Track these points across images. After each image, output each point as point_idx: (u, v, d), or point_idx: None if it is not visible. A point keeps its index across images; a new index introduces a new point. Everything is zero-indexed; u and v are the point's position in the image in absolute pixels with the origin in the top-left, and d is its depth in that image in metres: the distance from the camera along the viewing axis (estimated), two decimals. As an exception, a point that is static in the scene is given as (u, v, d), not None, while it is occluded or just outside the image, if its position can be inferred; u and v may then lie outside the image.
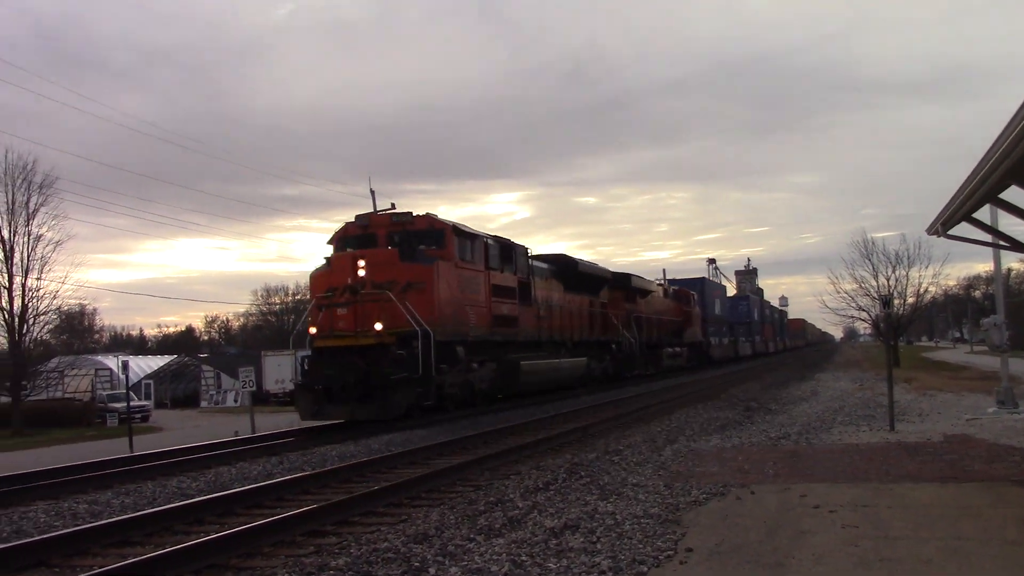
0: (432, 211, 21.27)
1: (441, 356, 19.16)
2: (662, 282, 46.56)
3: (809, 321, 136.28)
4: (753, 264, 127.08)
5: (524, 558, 6.69)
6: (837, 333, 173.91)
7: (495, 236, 23.22)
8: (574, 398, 26.58)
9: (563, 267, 29.34)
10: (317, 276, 20.13)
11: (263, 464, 13.17)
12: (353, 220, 20.90)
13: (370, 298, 18.62)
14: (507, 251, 23.82)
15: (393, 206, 21.42)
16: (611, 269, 38.57)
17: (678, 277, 57.28)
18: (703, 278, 59.43)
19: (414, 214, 20.70)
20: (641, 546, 6.98)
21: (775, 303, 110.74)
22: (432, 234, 20.49)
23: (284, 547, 7.70)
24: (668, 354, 42.69)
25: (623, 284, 36.15)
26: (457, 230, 20.77)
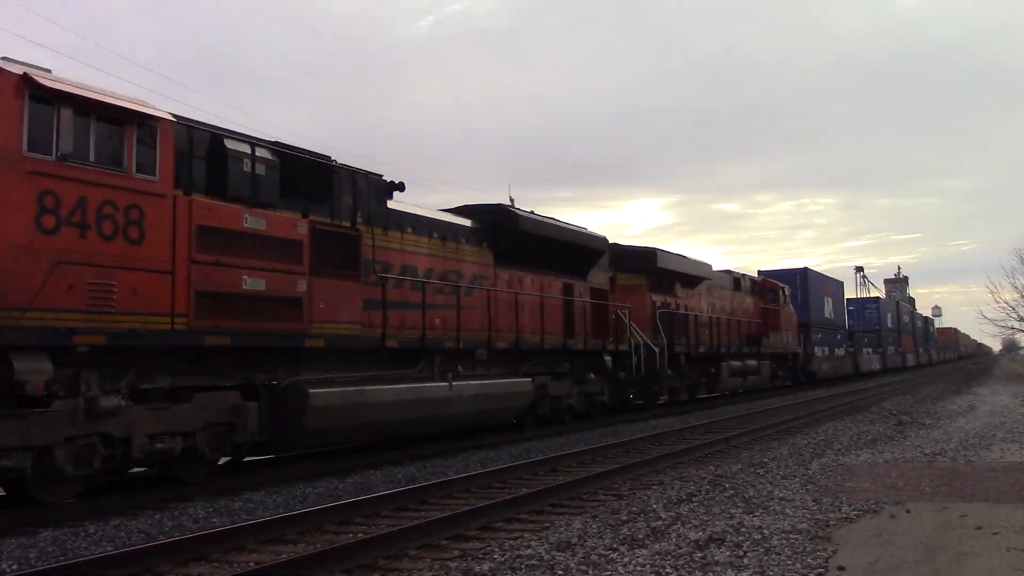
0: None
1: None
2: (731, 270, 33.84)
3: (962, 331, 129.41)
4: (903, 272, 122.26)
5: (668, 570, 6.61)
6: (995, 345, 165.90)
7: (264, 142, 12.80)
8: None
9: (493, 224, 17.98)
10: None
11: (407, 468, 13.44)
12: None
13: None
14: (298, 169, 12.88)
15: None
16: (701, 262, 29.29)
17: (770, 268, 46.09)
18: (805, 268, 44.86)
19: None
20: (790, 562, 6.79)
21: (928, 313, 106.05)
22: None
23: (429, 550, 7.83)
24: (732, 370, 29.86)
25: (641, 264, 25.04)
26: (35, 85, 9.54)
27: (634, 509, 9.24)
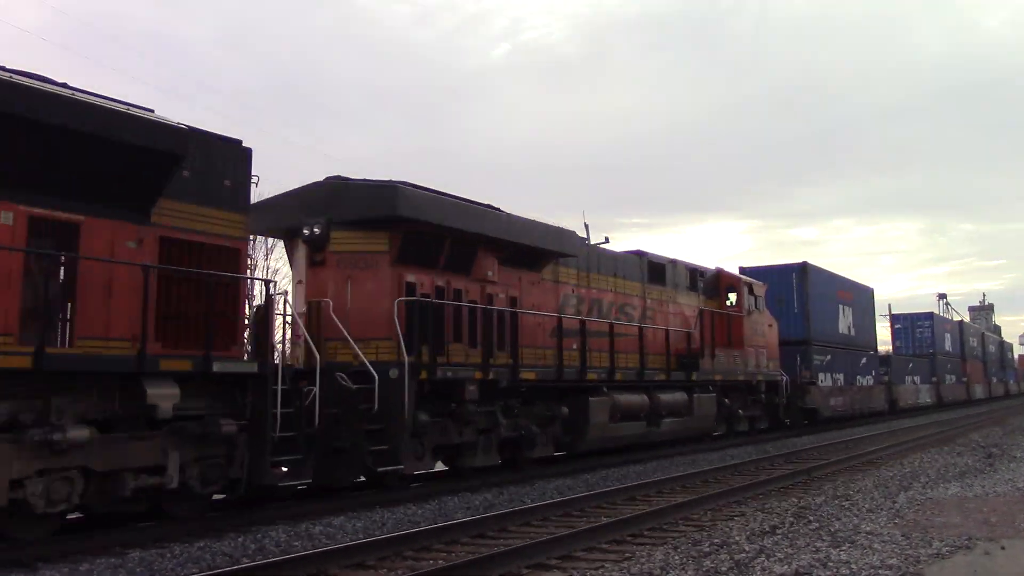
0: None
1: None
2: (643, 251, 21.68)
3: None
4: (988, 300, 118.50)
5: (755, 605, 6.47)
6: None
7: None
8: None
9: None
10: None
11: (484, 495, 13.43)
12: None
13: None
14: None
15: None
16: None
17: (760, 265, 32.40)
18: (803, 263, 32.10)
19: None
20: (881, 599, 6.60)
21: (1015, 342, 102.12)
22: None
23: (510, 579, 7.80)
24: (621, 409, 18.20)
25: (380, 214, 14.05)
26: None
27: (716, 541, 9.10)
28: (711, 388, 22.33)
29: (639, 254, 21.41)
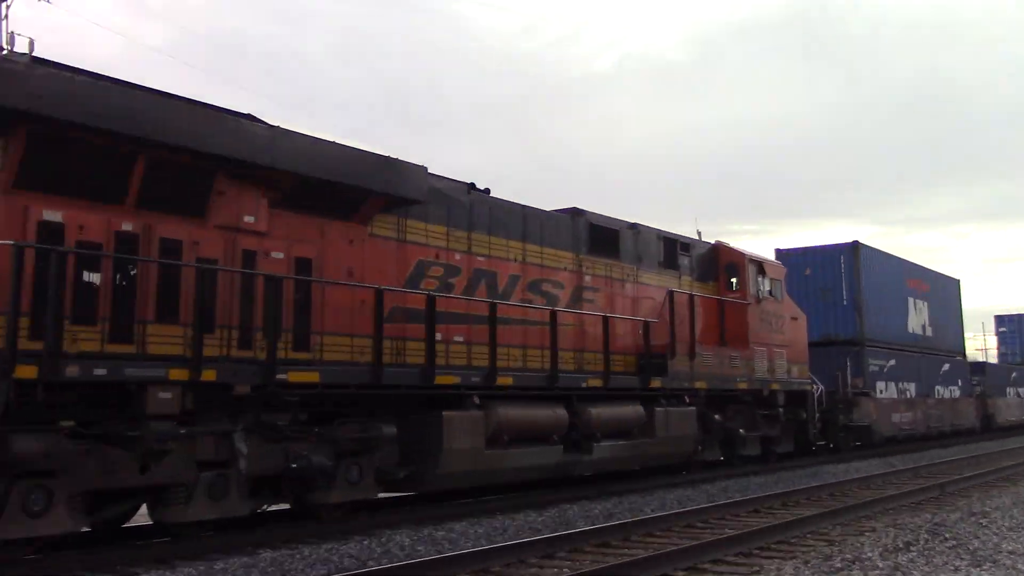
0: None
1: None
2: (582, 208, 15.78)
3: None
4: None
5: (895, 624, 6.24)
6: None
7: None
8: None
9: None
10: None
11: (604, 504, 13.36)
12: None
13: None
14: None
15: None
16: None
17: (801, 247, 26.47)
18: (855, 243, 25.96)
19: None
20: (1031, 622, 6.29)
21: None
22: None
23: (636, 589, 7.72)
24: (507, 426, 12.73)
25: None
26: None
27: (848, 556, 8.82)
28: (678, 399, 16.63)
29: (574, 213, 15.79)
